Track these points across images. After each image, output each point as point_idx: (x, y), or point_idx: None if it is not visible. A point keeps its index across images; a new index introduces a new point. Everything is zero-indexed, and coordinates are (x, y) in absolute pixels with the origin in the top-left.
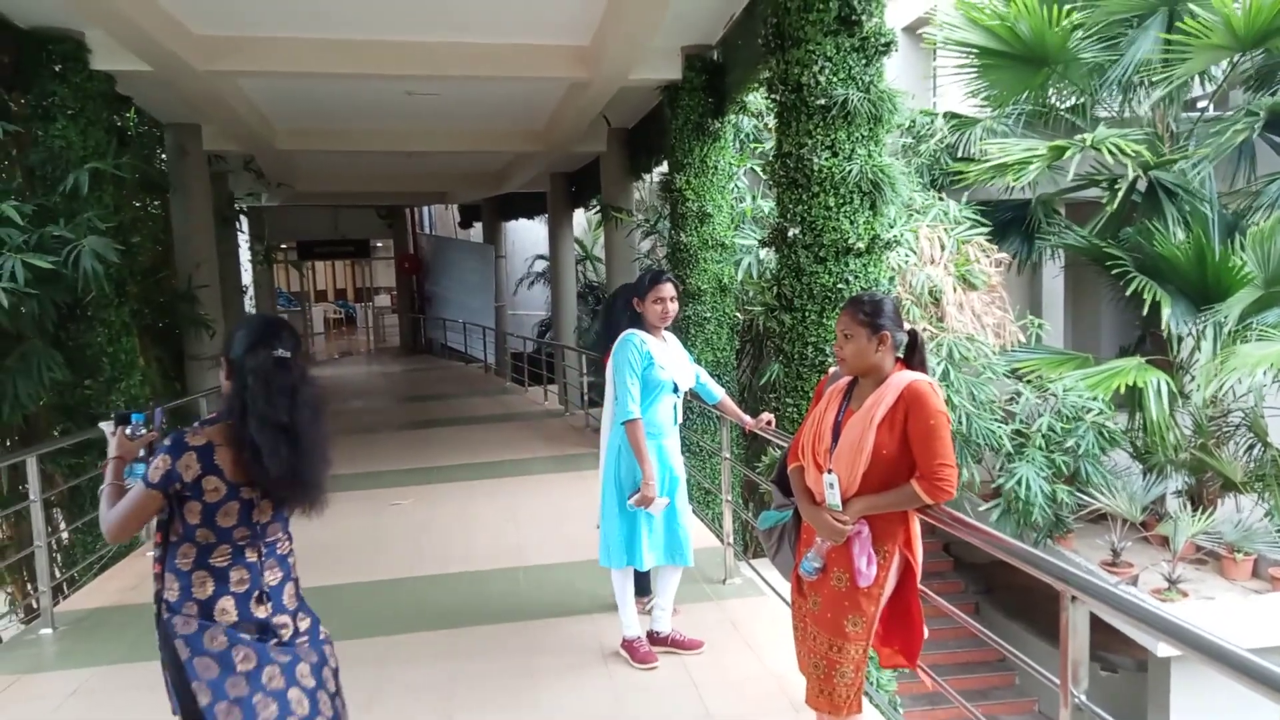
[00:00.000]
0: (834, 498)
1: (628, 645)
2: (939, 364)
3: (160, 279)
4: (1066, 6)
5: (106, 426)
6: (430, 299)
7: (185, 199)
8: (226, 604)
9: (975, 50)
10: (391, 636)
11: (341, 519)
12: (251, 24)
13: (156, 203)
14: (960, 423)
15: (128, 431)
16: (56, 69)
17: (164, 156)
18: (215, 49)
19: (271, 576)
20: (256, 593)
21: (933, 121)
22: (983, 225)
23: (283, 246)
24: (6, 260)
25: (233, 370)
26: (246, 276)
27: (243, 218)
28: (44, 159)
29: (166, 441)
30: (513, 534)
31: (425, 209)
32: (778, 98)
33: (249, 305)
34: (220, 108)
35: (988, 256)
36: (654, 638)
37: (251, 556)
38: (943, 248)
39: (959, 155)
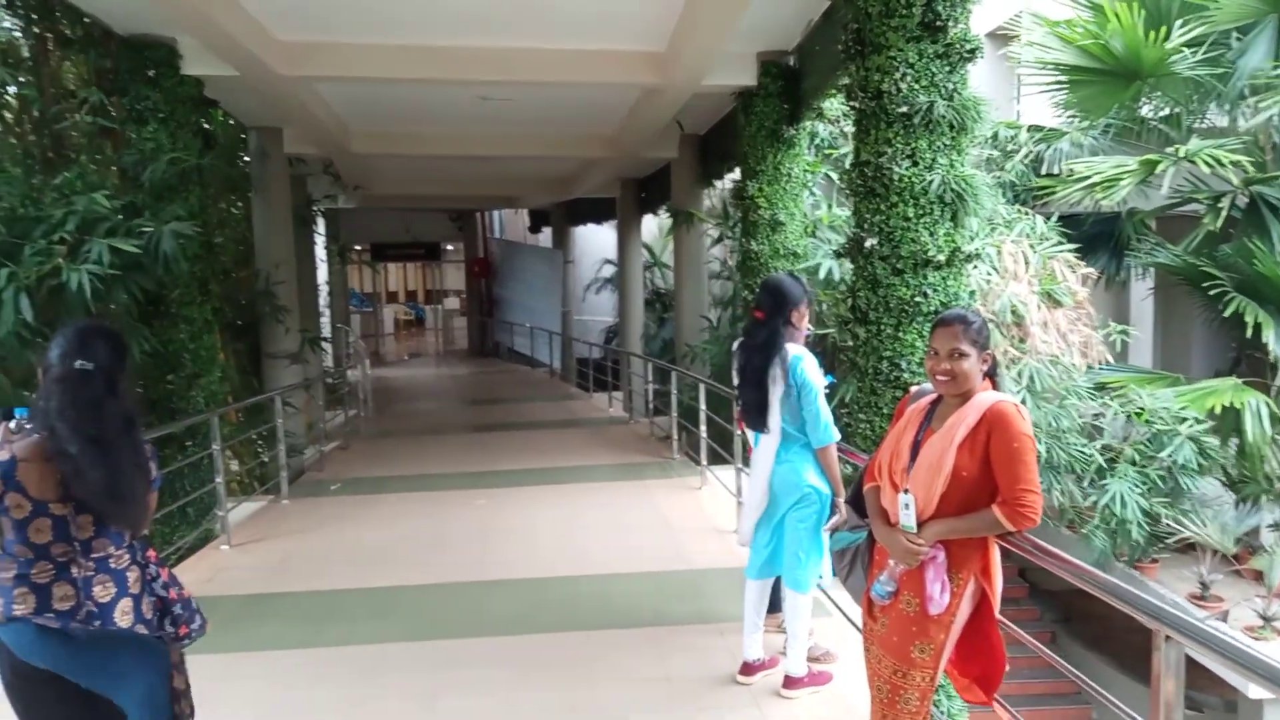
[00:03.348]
0: (909, 519)
1: (804, 681)
2: (1019, 392)
3: (241, 278)
4: (1173, 26)
5: None
6: (498, 302)
7: (266, 200)
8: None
9: (1064, 68)
10: (452, 640)
11: (406, 520)
12: (331, 30)
13: (239, 204)
14: (1041, 450)
15: (12, 425)
16: (150, 74)
17: (247, 159)
18: (296, 54)
19: (103, 592)
20: (83, 611)
21: (1016, 134)
22: (1069, 241)
23: (357, 248)
24: (94, 246)
25: (42, 381)
26: (322, 277)
27: (319, 219)
28: (136, 160)
29: None
30: (574, 542)
31: (495, 213)
32: (856, 105)
33: (323, 304)
34: (300, 111)
35: (1074, 272)
36: (750, 667)
37: (77, 572)
38: (1027, 264)
39: (1044, 169)
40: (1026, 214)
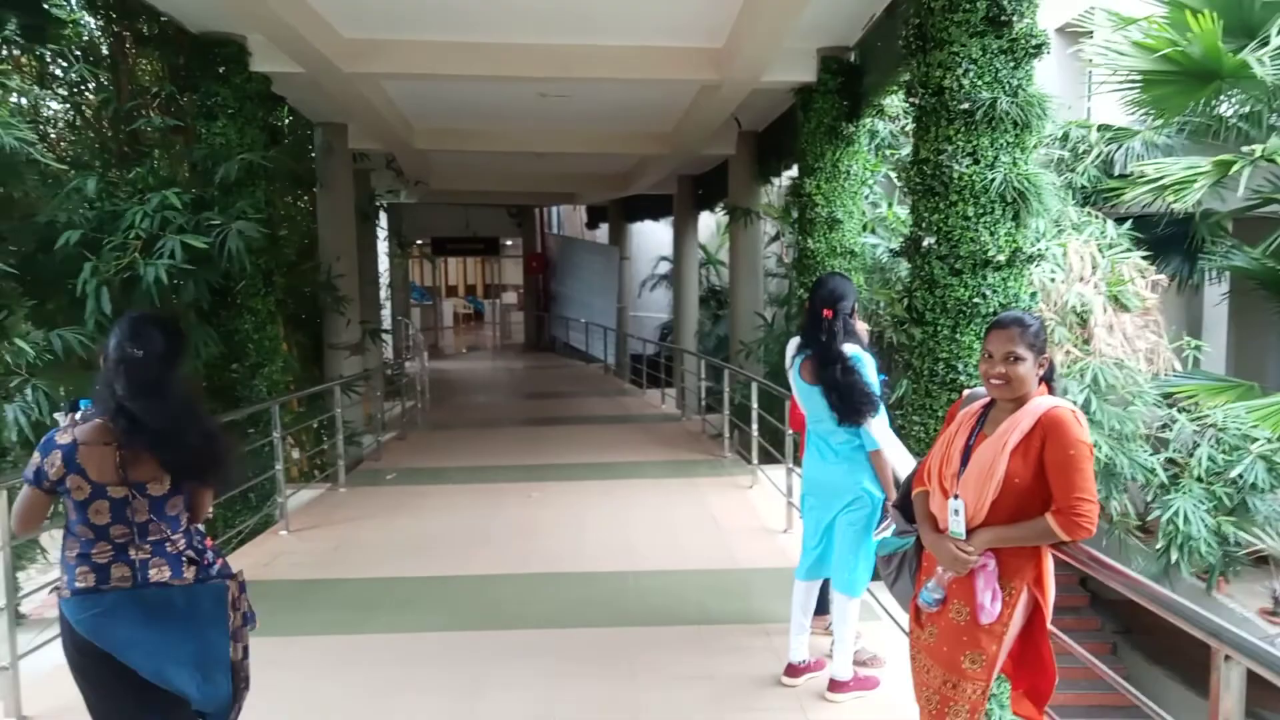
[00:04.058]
0: (958, 525)
1: (849, 685)
2: (1082, 391)
3: (304, 270)
4: (1258, 28)
5: (60, 415)
6: (555, 297)
7: (330, 194)
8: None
9: (1139, 73)
10: (498, 632)
11: (458, 511)
12: (394, 27)
13: (305, 198)
14: (1102, 456)
15: (78, 416)
16: (220, 71)
17: (313, 154)
18: (360, 51)
19: (157, 575)
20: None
21: (1087, 134)
22: (1140, 244)
23: (418, 242)
24: (168, 241)
25: (103, 368)
26: (384, 270)
27: (382, 213)
28: (205, 155)
29: (44, 438)
30: (623, 538)
31: (554, 209)
32: (916, 101)
33: (384, 297)
34: (364, 107)
35: (1143, 277)
36: (795, 669)
37: (134, 555)
38: (1094, 266)
39: (1116, 169)
40: (1096, 218)
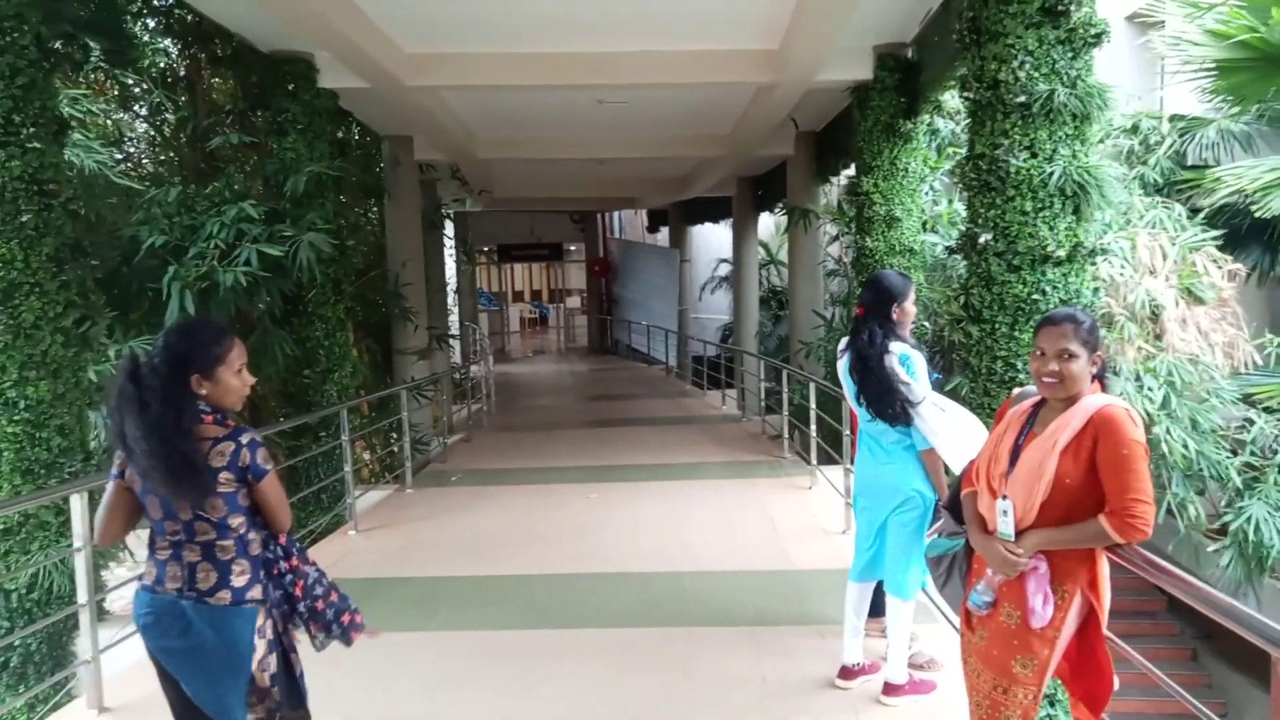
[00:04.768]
0: (1006, 526)
1: (905, 689)
2: (1159, 389)
3: (373, 278)
4: None
5: None
6: (617, 301)
7: (398, 205)
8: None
9: (1214, 60)
10: (554, 630)
11: (520, 511)
12: (454, 41)
13: (375, 209)
14: (1184, 453)
15: None
16: (290, 88)
17: (381, 167)
18: (422, 65)
19: (205, 579)
20: (189, 592)
21: (1158, 125)
22: (1213, 235)
23: (484, 249)
24: (245, 250)
25: None
26: (451, 277)
27: (448, 222)
28: (277, 169)
29: None
30: (680, 538)
31: (615, 214)
32: (971, 96)
33: (451, 303)
34: (427, 119)
35: (1219, 267)
36: (849, 672)
37: (187, 555)
38: (1164, 257)
39: (1189, 160)
40: (1166, 206)
